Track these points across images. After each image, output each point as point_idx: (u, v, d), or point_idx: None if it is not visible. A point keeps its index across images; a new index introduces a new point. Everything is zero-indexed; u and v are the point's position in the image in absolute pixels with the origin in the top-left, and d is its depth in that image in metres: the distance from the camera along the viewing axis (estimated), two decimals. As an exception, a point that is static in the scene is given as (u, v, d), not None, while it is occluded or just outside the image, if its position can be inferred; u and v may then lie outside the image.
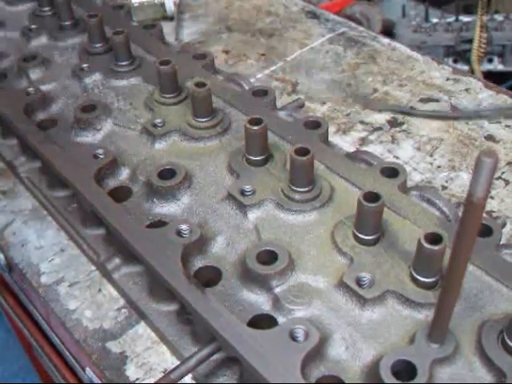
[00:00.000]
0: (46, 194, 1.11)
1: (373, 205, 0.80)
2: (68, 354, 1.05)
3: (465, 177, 1.16)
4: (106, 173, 1.02)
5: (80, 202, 1.01)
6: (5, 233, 1.10)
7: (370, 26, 2.97)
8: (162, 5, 1.65)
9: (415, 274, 0.78)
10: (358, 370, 0.75)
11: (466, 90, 1.37)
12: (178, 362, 0.80)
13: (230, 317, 0.76)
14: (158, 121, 1.09)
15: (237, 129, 1.08)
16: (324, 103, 1.37)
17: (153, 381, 0.84)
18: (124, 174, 1.04)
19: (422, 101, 1.35)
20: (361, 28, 1.64)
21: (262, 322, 0.80)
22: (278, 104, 1.17)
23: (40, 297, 0.99)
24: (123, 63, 1.24)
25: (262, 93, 1.14)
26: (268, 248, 0.84)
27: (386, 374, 0.68)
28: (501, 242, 0.85)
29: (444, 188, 1.13)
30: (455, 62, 2.94)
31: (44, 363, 1.44)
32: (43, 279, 1.01)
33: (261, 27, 1.67)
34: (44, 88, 1.23)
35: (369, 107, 1.32)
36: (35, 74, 1.28)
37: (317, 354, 0.74)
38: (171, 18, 1.67)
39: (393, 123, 1.30)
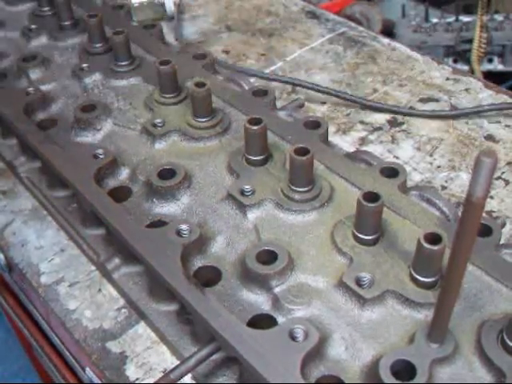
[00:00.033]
0: (46, 194, 1.11)
1: (372, 205, 0.80)
2: (68, 354, 1.05)
3: (464, 177, 1.16)
4: (105, 173, 1.02)
5: (80, 202, 1.02)
6: (5, 233, 1.10)
7: (369, 26, 2.96)
8: (162, 5, 1.65)
9: (415, 274, 0.78)
10: (357, 369, 0.75)
11: (466, 89, 1.37)
12: (178, 362, 0.80)
13: (229, 317, 0.76)
14: (158, 121, 1.09)
15: (237, 129, 1.08)
16: (324, 103, 1.37)
17: (153, 381, 0.84)
18: (124, 173, 1.04)
19: (422, 101, 1.35)
20: (361, 28, 1.64)
21: (261, 321, 0.80)
22: (278, 104, 1.17)
23: (40, 297, 1.00)
24: (123, 63, 1.24)
25: (261, 93, 1.14)
26: (268, 248, 0.84)
27: (385, 374, 0.68)
28: (500, 242, 0.85)
29: (444, 188, 1.13)
30: (455, 62, 2.94)
31: (44, 363, 1.44)
32: (43, 279, 1.01)
33: (261, 27, 1.67)
34: (44, 88, 1.23)
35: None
36: (35, 73, 1.28)
37: (316, 353, 0.74)
38: (171, 18, 1.67)
39: (393, 123, 1.30)
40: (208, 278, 0.87)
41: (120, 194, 1.00)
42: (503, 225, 0.97)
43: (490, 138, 1.24)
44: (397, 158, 1.21)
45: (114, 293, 0.97)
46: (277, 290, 0.82)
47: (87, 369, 0.93)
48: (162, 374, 0.80)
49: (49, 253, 1.05)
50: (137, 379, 0.86)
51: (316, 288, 0.82)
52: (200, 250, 0.89)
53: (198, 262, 0.88)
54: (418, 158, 1.20)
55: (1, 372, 2.47)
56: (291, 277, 0.83)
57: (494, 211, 1.08)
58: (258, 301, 0.83)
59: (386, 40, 1.57)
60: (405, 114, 1.31)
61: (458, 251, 0.59)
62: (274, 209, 0.92)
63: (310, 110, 1.34)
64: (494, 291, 0.79)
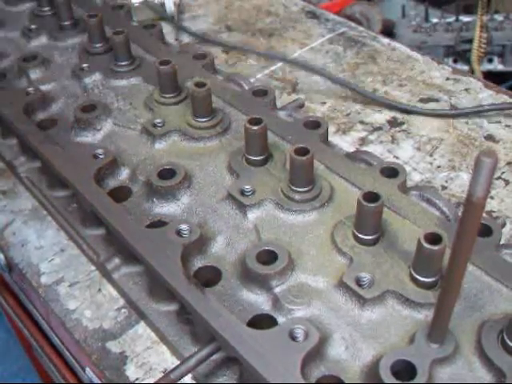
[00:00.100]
0: (46, 194, 1.11)
1: (372, 205, 0.80)
2: (68, 354, 1.05)
3: (465, 177, 1.16)
4: (105, 173, 1.02)
5: (80, 202, 1.01)
6: (5, 233, 1.10)
7: (369, 26, 2.97)
8: (162, 5, 1.65)
9: (415, 274, 0.78)
10: (357, 369, 0.75)
11: (466, 89, 1.37)
12: (178, 362, 0.80)
13: (229, 317, 0.76)
14: (158, 121, 1.09)
15: (237, 129, 1.08)
16: (324, 103, 1.37)
17: (153, 381, 0.84)
18: (124, 173, 1.04)
19: (422, 101, 1.35)
20: (361, 28, 1.64)
21: (261, 321, 0.80)
22: (278, 104, 1.17)
23: (40, 297, 1.00)
24: (123, 63, 1.24)
25: (261, 93, 1.14)
26: (268, 248, 0.84)
27: (385, 374, 0.68)
28: (501, 242, 0.85)
29: (444, 188, 1.13)
30: (455, 62, 2.94)
31: (44, 363, 1.44)
32: (43, 279, 1.01)
33: (261, 27, 1.67)
34: (44, 88, 1.23)
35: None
36: (35, 73, 1.28)
37: (316, 353, 0.74)
38: (171, 18, 1.67)
39: (393, 123, 1.30)
40: (208, 278, 0.87)
41: (120, 194, 1.00)
42: (503, 225, 0.97)
43: (490, 138, 1.24)
44: (397, 158, 1.21)
45: (114, 293, 0.97)
46: (277, 290, 0.82)
47: (87, 369, 0.93)
48: (162, 374, 0.80)
49: (49, 253, 1.05)
50: (137, 379, 0.86)
51: (316, 288, 0.82)
52: (200, 250, 0.89)
53: (198, 262, 0.88)
54: (418, 158, 1.20)
55: (1, 372, 2.47)
56: (291, 277, 0.83)
57: (494, 211, 1.08)
58: (258, 301, 0.83)
59: (386, 40, 1.57)
60: (408, 112, 1.31)
61: (458, 251, 0.59)
62: (274, 209, 0.92)
63: (310, 109, 1.34)
64: (494, 291, 0.79)
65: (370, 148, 1.22)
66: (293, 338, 0.73)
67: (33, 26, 1.42)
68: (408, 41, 2.75)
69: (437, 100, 1.35)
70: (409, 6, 3.18)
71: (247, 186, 0.94)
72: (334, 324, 0.79)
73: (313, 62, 1.51)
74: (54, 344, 1.16)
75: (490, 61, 2.91)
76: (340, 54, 1.53)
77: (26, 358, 1.92)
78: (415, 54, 1.51)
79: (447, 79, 1.41)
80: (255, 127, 0.94)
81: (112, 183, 1.03)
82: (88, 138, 1.11)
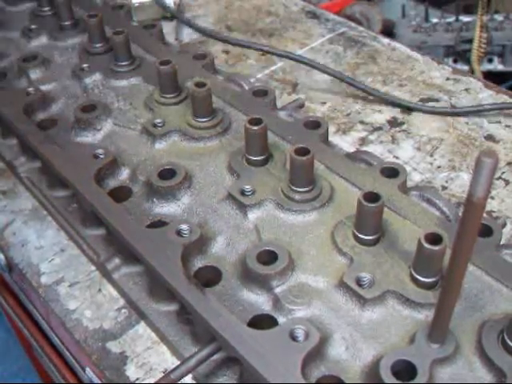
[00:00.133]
0: (46, 194, 1.11)
1: (373, 205, 0.80)
2: (68, 354, 1.05)
3: (465, 177, 1.16)
4: (105, 173, 1.02)
5: (80, 202, 1.01)
6: (5, 233, 1.10)
7: (369, 26, 2.97)
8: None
9: (415, 274, 0.78)
10: (358, 369, 0.75)
11: (466, 89, 1.37)
12: (178, 362, 0.80)
13: (229, 317, 0.76)
14: (158, 121, 1.09)
15: (237, 129, 1.08)
16: (324, 103, 1.37)
17: (153, 381, 0.84)
18: (124, 173, 1.04)
19: (422, 101, 1.35)
20: (361, 28, 1.64)
21: (262, 322, 0.80)
22: (278, 104, 1.17)
23: (40, 297, 0.99)
24: (123, 63, 1.24)
25: (261, 93, 1.14)
26: (268, 248, 0.84)
27: (386, 374, 0.68)
28: (501, 242, 0.85)
29: (444, 188, 1.13)
30: (455, 61, 2.94)
31: (44, 363, 1.44)
32: (43, 279, 1.01)
33: (261, 27, 1.67)
34: (44, 88, 1.23)
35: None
36: (35, 73, 1.28)
37: (317, 353, 0.74)
38: (171, 18, 1.67)
39: (393, 123, 1.30)
40: (208, 278, 0.87)
41: (120, 194, 1.00)
42: (504, 225, 0.97)
43: (490, 138, 1.24)
44: (397, 158, 1.21)
45: (114, 293, 0.97)
46: (277, 290, 0.82)
47: (87, 369, 0.93)
48: (163, 375, 0.80)
49: (49, 253, 1.05)
50: (137, 379, 0.86)
51: (316, 288, 0.82)
52: (200, 250, 0.89)
53: (198, 262, 0.88)
54: (418, 158, 1.20)
55: (1, 372, 2.47)
56: (292, 277, 0.83)
57: (494, 211, 1.08)
58: (259, 301, 0.83)
59: (386, 40, 1.57)
60: (410, 109, 1.31)
61: (458, 251, 0.59)
62: (274, 209, 0.92)
63: (310, 110, 1.34)
64: (494, 291, 0.79)
65: (370, 148, 1.22)
66: (293, 338, 0.73)
67: (33, 26, 1.42)
68: (408, 41, 2.75)
69: (437, 100, 1.35)
70: (409, 6, 3.19)
71: (247, 186, 0.94)
72: (335, 324, 0.79)
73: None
74: (54, 344, 1.16)
75: (490, 61, 2.91)
76: (340, 54, 1.53)
77: (26, 358, 1.92)
78: (415, 54, 1.51)
79: (447, 79, 1.41)
80: (255, 127, 0.94)
81: (112, 183, 1.03)
82: (88, 138, 1.11)
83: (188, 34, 1.64)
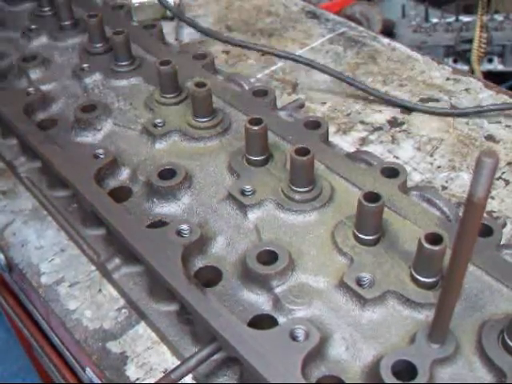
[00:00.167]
0: (46, 194, 1.11)
1: (373, 205, 0.80)
2: (68, 354, 1.05)
3: (465, 177, 1.16)
4: (106, 173, 1.02)
5: (80, 202, 1.01)
6: (5, 233, 1.10)
7: (369, 26, 2.97)
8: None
9: (415, 274, 0.78)
10: (358, 370, 0.75)
11: (466, 89, 1.37)
12: (179, 362, 0.80)
13: (230, 317, 0.76)
14: (158, 121, 1.09)
15: (237, 129, 1.08)
16: (324, 103, 1.37)
17: (153, 381, 0.84)
18: (124, 174, 1.04)
19: (422, 101, 1.35)
20: (361, 28, 1.64)
21: (262, 322, 0.80)
22: (278, 104, 1.17)
23: (40, 297, 0.99)
24: (123, 63, 1.24)
25: (262, 93, 1.14)
26: (268, 248, 0.84)
27: (386, 374, 0.68)
28: (501, 242, 0.85)
29: (444, 188, 1.13)
30: (455, 61, 2.94)
31: (44, 363, 1.44)
32: (43, 279, 1.01)
33: (261, 27, 1.67)
34: (44, 88, 1.23)
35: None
36: (35, 73, 1.28)
37: (317, 354, 0.74)
38: (171, 18, 1.67)
39: (393, 123, 1.30)
40: (208, 278, 0.87)
41: (120, 194, 1.00)
42: (504, 225, 0.97)
43: (490, 138, 1.24)
44: (397, 158, 1.21)
45: (115, 293, 0.97)
46: (277, 290, 0.82)
47: (87, 369, 0.93)
48: (163, 375, 0.80)
49: (49, 253, 1.05)
50: (137, 379, 0.86)
51: (317, 288, 0.82)
52: (200, 250, 0.89)
53: (198, 263, 0.88)
54: (419, 158, 1.20)
55: (1, 372, 2.47)
56: (292, 277, 0.83)
57: (494, 211, 1.08)
58: (259, 301, 0.83)
59: (386, 40, 1.57)
60: (410, 109, 1.31)
61: (458, 251, 0.59)
62: (274, 209, 0.92)
63: (310, 110, 1.34)
64: (494, 291, 0.79)
65: (370, 148, 1.22)
66: (293, 338, 0.73)
67: (33, 26, 1.42)
68: (408, 41, 2.75)
69: (437, 100, 1.35)
70: (409, 6, 3.19)
71: (248, 186, 0.94)
72: (335, 324, 0.79)
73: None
74: (54, 344, 1.16)
75: (490, 61, 2.91)
76: (340, 54, 1.53)
77: (26, 358, 1.92)
78: (415, 54, 1.51)
79: (447, 79, 1.41)
80: (255, 127, 0.94)
81: (112, 183, 1.03)
82: (88, 138, 1.11)
83: (188, 34, 1.64)
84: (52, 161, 1.03)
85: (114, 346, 0.90)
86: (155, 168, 0.98)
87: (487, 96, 1.34)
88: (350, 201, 0.91)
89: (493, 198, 1.10)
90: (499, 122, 1.27)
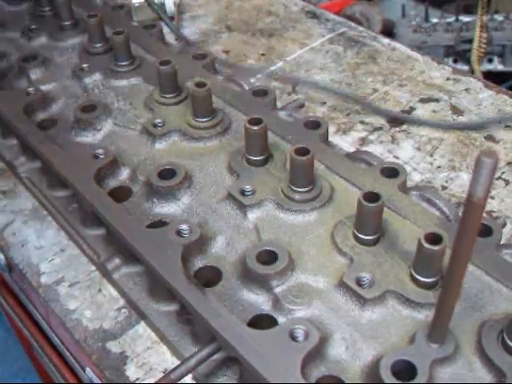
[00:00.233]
0: (46, 194, 1.11)
1: (373, 205, 0.80)
2: (68, 354, 1.05)
3: (465, 177, 1.16)
4: (106, 173, 1.02)
5: (80, 202, 1.01)
6: (5, 233, 1.10)
7: (369, 26, 2.97)
8: (162, 5, 1.65)
9: (415, 274, 0.78)
10: (358, 369, 0.75)
11: (466, 89, 1.37)
12: (178, 362, 0.80)
13: (229, 317, 0.76)
14: (158, 121, 1.09)
15: (237, 129, 1.08)
16: (324, 103, 1.37)
17: (153, 381, 0.84)
18: (124, 174, 1.04)
19: (422, 101, 1.35)
20: (361, 28, 1.64)
21: (262, 321, 0.80)
22: (278, 104, 1.17)
23: (40, 297, 1.00)
24: (123, 63, 1.24)
25: (262, 93, 1.14)
26: (268, 248, 0.84)
27: (386, 374, 0.68)
28: (501, 242, 0.85)
29: (444, 188, 1.13)
30: (455, 61, 2.94)
31: (44, 363, 1.44)
32: (43, 279, 1.01)
33: (261, 27, 1.67)
34: (44, 88, 1.23)
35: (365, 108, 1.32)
36: (35, 74, 1.28)
37: (317, 354, 0.74)
38: (171, 18, 1.67)
39: (393, 123, 1.30)
40: (208, 278, 0.87)
41: (120, 194, 1.00)
42: (503, 225, 0.97)
43: (490, 138, 1.24)
44: (397, 158, 1.21)
45: (114, 293, 0.97)
46: (277, 290, 0.82)
47: (87, 369, 0.93)
48: (163, 374, 0.80)
49: (49, 253, 1.05)
50: (137, 379, 0.86)
51: (316, 288, 0.82)
52: (200, 250, 0.89)
53: (198, 262, 0.88)
54: (418, 158, 1.20)
55: (1, 372, 2.47)
56: (291, 277, 0.83)
57: (494, 211, 1.08)
58: (259, 301, 0.83)
59: (386, 40, 1.57)
60: (418, 124, 1.28)
61: (458, 251, 0.59)
62: (274, 209, 0.92)
63: (310, 110, 1.34)
64: (494, 291, 0.79)
65: (370, 148, 1.22)
66: (293, 338, 0.73)
67: (33, 26, 1.42)
68: (408, 41, 2.75)
69: (437, 100, 1.35)
70: (409, 6, 3.18)
71: (247, 186, 0.94)
72: (335, 324, 0.79)
73: (313, 61, 1.51)
74: (54, 344, 1.16)
75: (490, 61, 2.91)
76: (340, 54, 1.53)
77: (26, 358, 1.92)
78: (415, 54, 1.51)
79: (447, 79, 1.41)
80: (255, 127, 0.94)
81: (112, 183, 1.03)
82: (88, 138, 1.11)
83: (188, 34, 1.64)
84: (52, 161, 1.03)
85: (113, 346, 0.90)
86: (155, 168, 0.98)
87: (487, 96, 1.34)
88: (350, 201, 0.91)
89: (492, 197, 1.10)
90: (499, 122, 1.27)
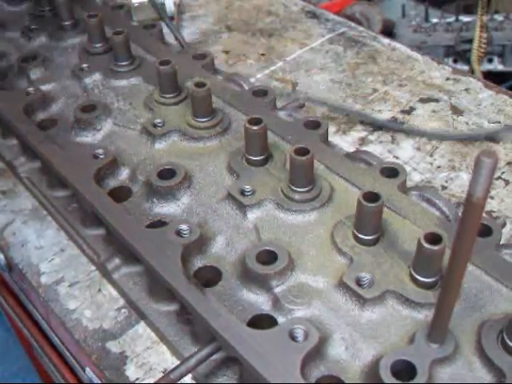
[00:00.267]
0: (46, 194, 1.11)
1: (372, 205, 0.80)
2: (68, 354, 1.05)
3: (465, 177, 1.16)
4: (105, 173, 1.02)
5: (80, 202, 1.02)
6: (5, 233, 1.10)
7: (369, 26, 2.97)
8: (162, 5, 1.65)
9: (415, 274, 0.78)
10: (357, 369, 0.75)
11: (466, 89, 1.37)
12: (178, 362, 0.80)
13: (229, 317, 0.76)
14: (158, 121, 1.09)
15: (237, 129, 1.08)
16: (324, 103, 1.37)
17: (153, 381, 0.84)
18: (124, 173, 1.04)
19: (422, 101, 1.35)
20: (361, 28, 1.64)
21: (261, 321, 0.80)
22: (278, 104, 1.17)
23: (40, 297, 1.00)
24: (123, 63, 1.24)
25: (261, 93, 1.14)
26: (268, 248, 0.84)
27: (385, 374, 0.68)
28: (500, 242, 0.85)
29: (444, 188, 1.13)
30: (455, 61, 2.94)
31: (44, 363, 1.44)
32: (43, 279, 1.01)
33: (261, 27, 1.67)
34: (44, 88, 1.23)
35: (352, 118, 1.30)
36: (35, 74, 1.28)
37: (316, 353, 0.74)
38: (171, 18, 1.67)
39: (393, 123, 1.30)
40: (208, 278, 0.87)
41: (120, 194, 1.00)
42: (503, 225, 0.97)
43: (490, 138, 1.24)
44: (397, 158, 1.21)
45: (114, 293, 0.97)
46: (277, 290, 0.82)
47: (87, 369, 0.93)
48: (162, 374, 0.80)
49: (49, 253, 1.05)
50: (137, 379, 0.86)
51: (316, 288, 0.82)
52: (200, 250, 0.89)
53: (198, 262, 0.88)
54: (418, 158, 1.20)
55: (1, 372, 2.47)
56: (291, 277, 0.83)
57: (494, 211, 1.08)
58: (258, 301, 0.83)
59: (386, 40, 1.57)
60: (442, 139, 1.24)
61: (458, 251, 0.59)
62: (274, 209, 0.92)
63: (310, 110, 1.34)
64: (494, 291, 0.79)
65: (369, 148, 1.22)
66: (293, 338, 0.73)
67: (33, 26, 1.42)
68: (408, 41, 2.75)
69: (437, 100, 1.35)
70: (409, 6, 3.19)
71: (247, 186, 0.94)
72: (334, 324, 0.79)
73: (313, 61, 1.51)
74: (54, 344, 1.16)
75: (490, 61, 2.91)
76: (340, 54, 1.53)
77: (26, 358, 1.92)
78: (415, 54, 1.51)
79: (447, 79, 1.41)
80: (255, 127, 0.94)
81: (112, 183, 1.03)
82: (88, 138, 1.11)
83: (188, 34, 1.64)
84: (52, 161, 1.03)
85: (113, 346, 0.90)
86: (155, 168, 0.99)
87: (487, 96, 1.34)
88: (350, 201, 0.91)
89: (492, 197, 1.10)
90: (499, 122, 1.27)
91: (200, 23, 1.69)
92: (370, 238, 0.84)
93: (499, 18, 2.91)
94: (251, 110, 1.09)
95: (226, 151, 1.04)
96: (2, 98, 1.18)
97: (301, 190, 0.92)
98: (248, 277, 0.83)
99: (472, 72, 2.78)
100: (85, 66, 1.26)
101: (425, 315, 0.77)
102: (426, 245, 0.73)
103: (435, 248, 0.73)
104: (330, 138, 1.09)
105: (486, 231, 0.85)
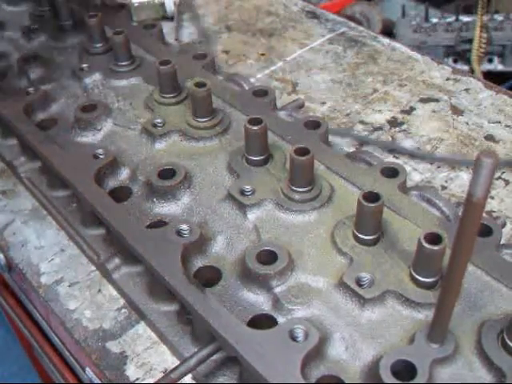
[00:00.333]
0: (46, 194, 1.11)
1: (373, 205, 0.80)
2: (68, 354, 1.05)
3: (465, 177, 1.15)
4: (105, 173, 1.02)
5: (80, 202, 1.02)
6: (5, 233, 1.10)
7: (369, 26, 2.97)
8: (162, 5, 1.65)
9: (415, 274, 0.78)
10: (357, 369, 0.75)
11: (466, 90, 1.37)
12: (178, 362, 0.80)
13: (229, 317, 0.76)
14: (158, 121, 1.09)
15: (237, 129, 1.08)
16: (324, 103, 1.37)
17: (153, 381, 0.84)
18: (124, 174, 1.04)
19: (422, 101, 1.35)
20: (361, 28, 1.64)
21: (261, 321, 0.80)
22: (278, 104, 1.17)
23: (40, 297, 1.00)
24: (123, 63, 1.24)
25: (262, 93, 1.14)
26: (268, 248, 0.84)
27: (385, 374, 0.68)
28: (501, 242, 0.85)
29: (444, 188, 1.13)
30: (455, 61, 2.94)
31: (44, 363, 1.44)
32: (43, 279, 1.01)
33: (261, 27, 1.67)
34: (44, 88, 1.23)
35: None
36: (35, 74, 1.28)
37: (317, 353, 0.74)
38: (171, 18, 1.67)
39: (393, 123, 1.30)
40: (208, 278, 0.87)
41: (120, 194, 1.00)
42: (503, 225, 0.97)
43: (490, 138, 1.24)
44: (397, 158, 1.21)
45: (114, 293, 0.97)
46: (277, 290, 0.82)
47: (87, 369, 0.93)
48: (163, 374, 0.80)
49: (49, 253, 1.05)
50: (137, 379, 0.86)
51: (316, 288, 0.82)
52: (200, 250, 0.89)
53: (198, 262, 0.88)
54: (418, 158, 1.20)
55: (1, 372, 2.47)
56: (291, 277, 0.83)
57: (494, 211, 1.08)
58: (258, 301, 0.83)
59: (386, 40, 1.57)
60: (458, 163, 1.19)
61: (458, 251, 0.59)
62: (274, 209, 0.92)
63: (310, 110, 1.34)
64: (494, 291, 0.79)
65: (370, 148, 1.22)
66: (293, 338, 0.73)
67: (33, 26, 1.42)
68: (408, 41, 2.75)
69: (437, 100, 1.35)
70: (409, 6, 3.19)
71: (247, 186, 0.94)
72: (334, 324, 0.79)
73: (313, 61, 1.51)
74: (54, 344, 1.16)
75: (490, 61, 2.91)
76: (340, 54, 1.53)
77: (26, 358, 1.92)
78: (415, 54, 1.51)
79: (447, 79, 1.41)
80: (255, 127, 0.94)
81: (112, 183, 1.03)
82: (88, 138, 1.11)
83: (188, 34, 1.64)
84: (52, 161, 1.03)
85: (113, 346, 0.90)
86: (155, 168, 0.99)
87: (487, 96, 1.34)
88: (350, 201, 0.91)
89: (492, 197, 1.10)
90: (499, 122, 1.27)
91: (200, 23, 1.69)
92: (370, 238, 0.84)
93: (499, 17, 2.91)
94: (251, 110, 1.09)
95: (226, 151, 1.04)
96: (2, 97, 1.18)
97: (301, 190, 0.92)
98: (248, 277, 0.83)
99: (472, 72, 2.78)
100: (85, 66, 1.26)
101: (425, 315, 0.77)
102: (426, 245, 0.73)
103: (435, 248, 0.73)
104: (330, 138, 1.09)
105: (486, 231, 0.85)
